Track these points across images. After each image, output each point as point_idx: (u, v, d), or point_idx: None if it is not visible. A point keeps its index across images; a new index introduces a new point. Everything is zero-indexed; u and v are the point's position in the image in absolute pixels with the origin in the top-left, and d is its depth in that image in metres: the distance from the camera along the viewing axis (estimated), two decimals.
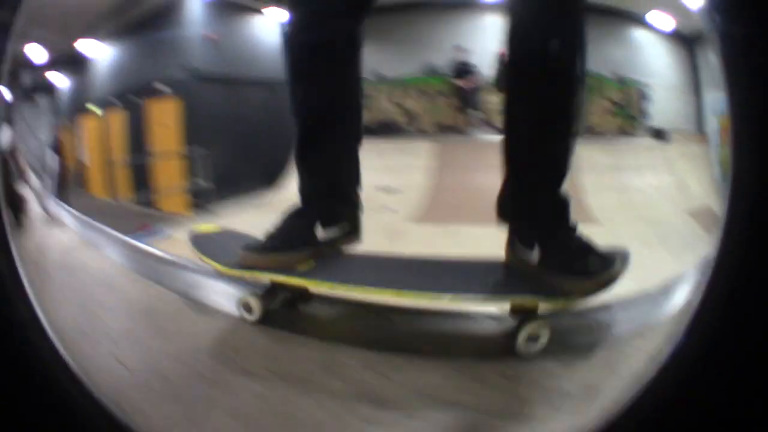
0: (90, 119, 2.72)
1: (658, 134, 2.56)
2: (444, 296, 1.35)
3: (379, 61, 2.78)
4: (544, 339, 1.32)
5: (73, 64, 2.74)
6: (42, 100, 2.75)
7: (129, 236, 2.34)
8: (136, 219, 2.65)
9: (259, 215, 2.51)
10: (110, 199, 2.83)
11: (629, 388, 0.75)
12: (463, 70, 2.71)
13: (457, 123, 2.85)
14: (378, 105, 2.84)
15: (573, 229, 1.39)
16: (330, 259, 1.55)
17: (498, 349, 1.38)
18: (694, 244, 1.47)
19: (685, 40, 2.53)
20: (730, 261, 0.68)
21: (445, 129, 2.89)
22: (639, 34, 2.52)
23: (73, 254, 2.26)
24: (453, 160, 2.79)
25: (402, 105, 2.86)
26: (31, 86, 2.71)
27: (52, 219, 2.70)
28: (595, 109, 2.69)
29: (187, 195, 2.73)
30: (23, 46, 2.52)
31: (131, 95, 2.73)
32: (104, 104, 2.77)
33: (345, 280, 1.47)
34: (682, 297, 1.05)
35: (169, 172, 2.73)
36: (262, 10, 2.69)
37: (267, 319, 1.56)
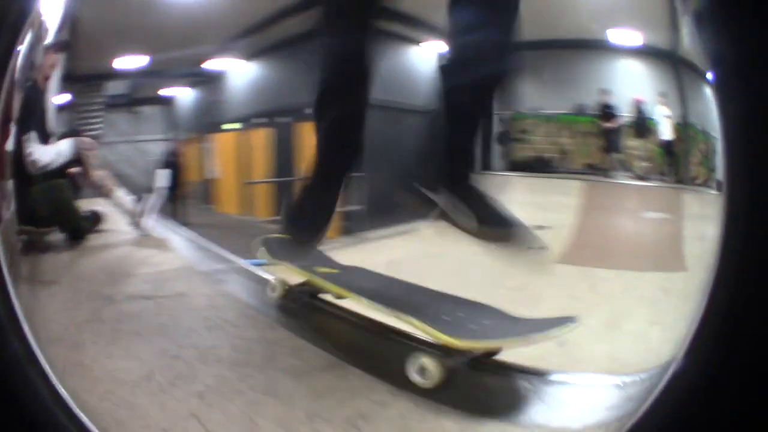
0: (227, 135, 2.46)
1: (719, 186, 2.28)
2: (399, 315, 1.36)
3: (534, 97, 2.82)
4: (433, 376, 1.27)
5: (205, 78, 2.59)
6: (149, 113, 2.64)
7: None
8: None
9: (408, 244, 2.43)
10: (246, 218, 2.60)
11: None
12: (607, 112, 2.71)
13: (603, 164, 2.87)
14: (535, 140, 2.87)
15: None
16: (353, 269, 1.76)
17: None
18: None
19: None
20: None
21: (592, 169, 2.90)
22: (707, 90, 2.33)
23: (171, 281, 1.86)
24: (596, 201, 2.80)
25: (557, 142, 2.88)
26: (131, 98, 2.62)
27: (147, 239, 2.46)
28: (693, 159, 2.66)
29: (343, 219, 2.54)
30: (112, 59, 2.43)
31: (279, 115, 2.56)
32: (244, 121, 2.58)
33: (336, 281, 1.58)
34: None
35: None
36: (420, 43, 2.68)
37: (287, 299, 1.62)
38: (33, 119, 2.46)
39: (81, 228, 2.50)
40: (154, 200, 2.57)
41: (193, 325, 1.54)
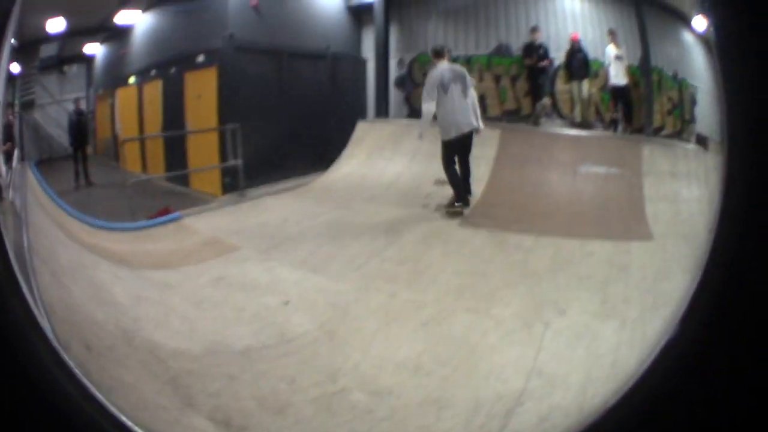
0: (126, 90, 2.39)
1: (701, 141, 2.34)
2: None
3: (449, 39, 2.59)
4: None
5: (112, 33, 2.42)
6: (74, 72, 2.46)
7: (143, 222, 2.00)
8: (161, 199, 2.25)
9: (297, 202, 2.23)
10: (142, 177, 2.44)
11: None
12: (540, 53, 2.50)
13: (525, 109, 2.66)
14: None
15: None
16: None
17: None
18: None
19: None
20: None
21: (512, 115, 2.67)
22: (689, 37, 2.24)
23: None
24: (517, 152, 2.57)
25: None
26: (58, 58, 2.45)
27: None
28: (658, 107, 2.50)
29: (222, 174, 2.40)
30: (45, 19, 2.29)
31: (168, 65, 2.42)
32: (142, 74, 2.44)
33: None
34: None
35: (204, 149, 2.42)
36: None
37: None
38: None
39: None
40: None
41: None
